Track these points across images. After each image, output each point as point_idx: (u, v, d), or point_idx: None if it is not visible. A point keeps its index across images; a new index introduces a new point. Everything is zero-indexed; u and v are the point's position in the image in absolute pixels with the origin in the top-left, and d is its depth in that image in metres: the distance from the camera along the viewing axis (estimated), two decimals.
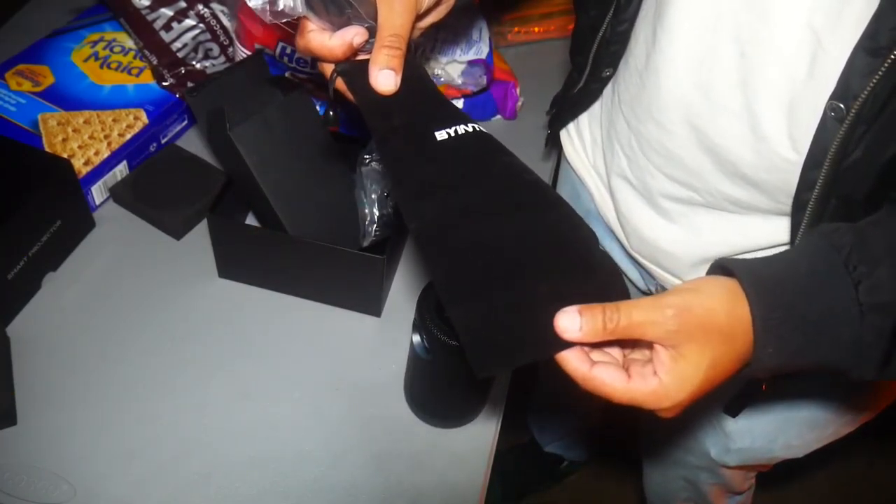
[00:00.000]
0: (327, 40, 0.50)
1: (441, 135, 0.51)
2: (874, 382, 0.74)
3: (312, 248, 0.75)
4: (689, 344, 0.44)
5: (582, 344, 0.45)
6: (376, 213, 0.78)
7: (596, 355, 0.47)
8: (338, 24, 0.49)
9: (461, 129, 0.52)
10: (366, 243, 0.78)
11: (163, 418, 0.71)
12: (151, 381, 0.73)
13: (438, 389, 0.71)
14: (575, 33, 0.74)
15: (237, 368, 0.75)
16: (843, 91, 0.48)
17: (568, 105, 0.79)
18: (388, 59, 0.49)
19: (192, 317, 0.79)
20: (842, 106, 0.49)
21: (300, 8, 0.45)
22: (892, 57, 0.46)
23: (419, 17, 0.54)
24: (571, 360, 0.45)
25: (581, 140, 0.79)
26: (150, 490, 0.67)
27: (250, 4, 0.44)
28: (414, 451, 0.72)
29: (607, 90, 0.72)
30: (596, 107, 0.75)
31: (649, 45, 0.62)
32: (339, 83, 0.52)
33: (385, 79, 0.49)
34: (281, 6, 0.44)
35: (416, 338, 0.66)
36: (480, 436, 0.73)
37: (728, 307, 0.45)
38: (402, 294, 0.83)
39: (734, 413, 0.74)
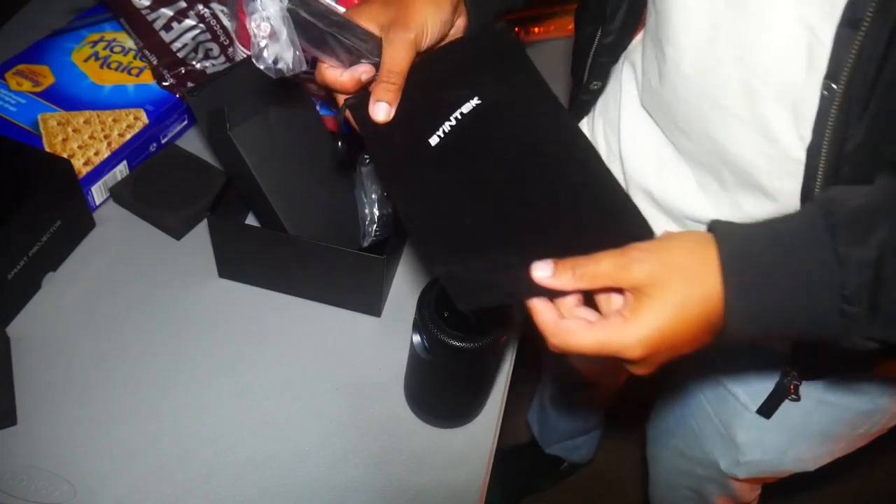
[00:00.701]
0: (339, 76, 0.57)
1: (433, 140, 0.56)
2: (890, 401, 0.73)
3: (312, 248, 0.75)
4: (653, 285, 0.45)
5: (555, 291, 0.48)
6: (376, 213, 0.77)
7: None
8: (348, 62, 0.56)
9: (448, 125, 0.57)
10: (366, 243, 0.78)
11: (163, 418, 0.71)
12: (151, 380, 0.73)
13: (438, 389, 0.71)
14: (574, 50, 0.76)
15: (237, 368, 0.75)
16: (833, 70, 0.49)
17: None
18: (384, 93, 0.56)
19: (192, 317, 0.79)
20: (833, 85, 0.49)
21: (298, 67, 0.50)
22: (866, 23, 0.46)
23: (422, 53, 0.59)
24: (542, 312, 0.48)
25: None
26: (150, 490, 0.67)
27: (258, 66, 0.49)
28: (414, 451, 0.72)
29: (637, 111, 0.72)
30: (613, 116, 0.76)
31: (660, 61, 0.62)
32: (348, 114, 0.58)
33: (379, 110, 0.56)
34: (281, 66, 0.49)
35: (416, 338, 0.66)
36: (480, 436, 0.73)
37: (692, 248, 0.46)
38: (402, 294, 0.83)
39: (768, 414, 0.74)
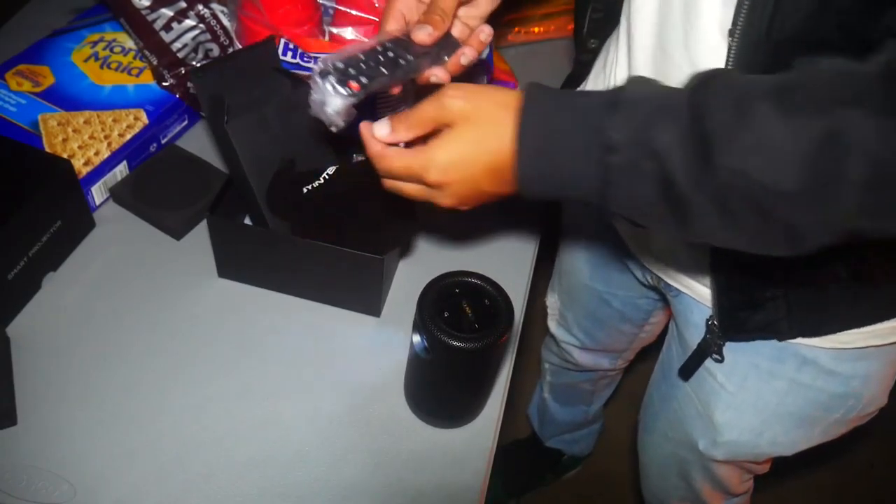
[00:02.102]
0: (442, 75, 0.63)
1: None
2: (863, 385, 0.74)
3: (312, 248, 0.75)
4: (461, 120, 0.52)
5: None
6: None
7: None
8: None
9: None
10: None
11: (163, 418, 0.71)
12: (151, 380, 0.73)
13: (438, 389, 0.71)
14: (574, 13, 0.79)
15: (237, 368, 0.75)
16: (733, 20, 0.52)
17: (569, 81, 0.82)
18: (428, 18, 0.60)
19: (192, 317, 0.79)
20: (733, 32, 0.52)
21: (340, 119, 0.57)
22: None
23: (463, 4, 0.63)
24: (371, 145, 0.56)
25: None
26: (150, 490, 0.67)
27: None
28: (414, 451, 0.72)
29: (612, 65, 0.74)
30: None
31: (629, 13, 0.65)
32: None
33: (421, 31, 0.60)
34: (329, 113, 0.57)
35: (416, 338, 0.66)
36: (480, 436, 0.73)
37: (501, 102, 0.51)
38: (402, 294, 0.83)
39: (686, 375, 0.79)
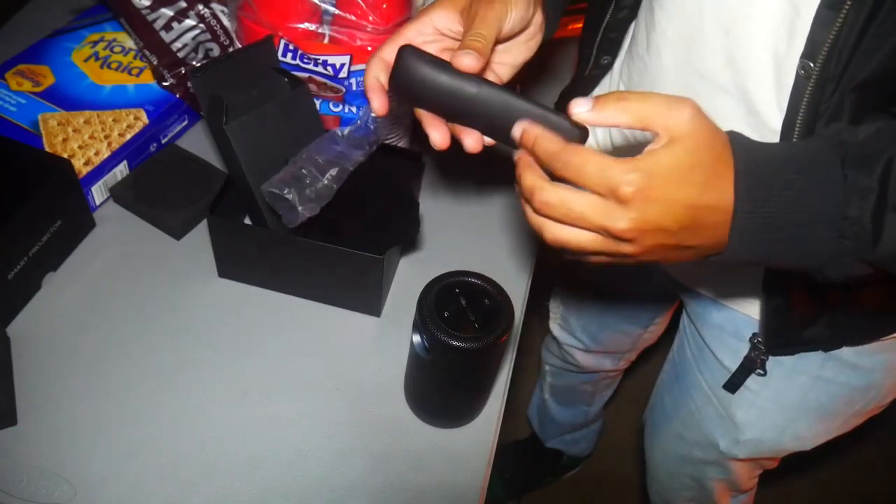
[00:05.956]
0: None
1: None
2: (884, 376, 0.74)
3: (312, 248, 0.75)
4: (684, 136, 0.43)
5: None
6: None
7: None
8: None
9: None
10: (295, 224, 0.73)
11: (163, 418, 0.71)
12: (151, 380, 0.73)
13: (438, 389, 0.71)
14: (584, 26, 0.78)
15: (237, 368, 0.75)
16: (810, 49, 0.50)
17: (568, 95, 0.81)
18: (473, 42, 0.51)
19: (191, 317, 0.79)
20: (810, 63, 0.51)
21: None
22: (847, 7, 0.47)
23: (502, 41, 0.57)
24: (550, 138, 0.45)
25: (594, 136, 0.80)
26: (150, 490, 0.67)
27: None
28: (414, 451, 0.72)
29: (617, 80, 0.73)
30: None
31: (649, 28, 0.64)
32: None
33: (466, 57, 0.50)
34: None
35: (416, 338, 0.66)
36: (480, 436, 0.73)
37: (720, 139, 0.44)
38: (402, 294, 0.82)
39: (733, 389, 0.78)
